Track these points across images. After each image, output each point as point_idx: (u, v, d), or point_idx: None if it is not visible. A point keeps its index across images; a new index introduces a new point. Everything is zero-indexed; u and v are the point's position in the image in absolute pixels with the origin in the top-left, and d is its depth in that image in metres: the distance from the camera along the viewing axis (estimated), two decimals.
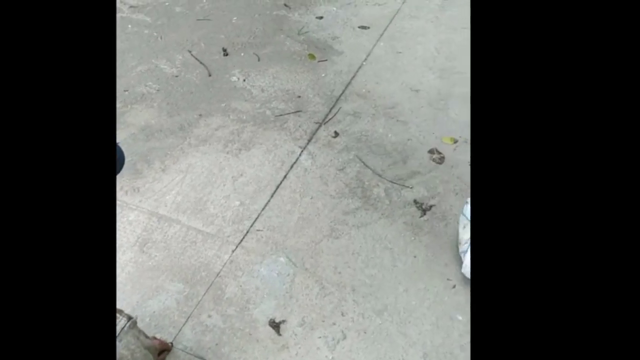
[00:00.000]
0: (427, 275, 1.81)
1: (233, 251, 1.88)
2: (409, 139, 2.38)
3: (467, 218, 1.77)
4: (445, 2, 3.54)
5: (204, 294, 1.75)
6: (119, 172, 1.01)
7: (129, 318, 0.96)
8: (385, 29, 3.19)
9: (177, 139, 2.37)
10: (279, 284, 1.77)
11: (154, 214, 2.03)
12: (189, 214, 2.02)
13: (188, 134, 2.39)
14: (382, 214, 2.02)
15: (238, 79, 2.73)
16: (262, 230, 1.95)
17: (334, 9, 3.39)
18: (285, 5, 3.41)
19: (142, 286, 1.78)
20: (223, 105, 2.56)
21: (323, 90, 2.66)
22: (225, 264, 1.84)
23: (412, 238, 1.93)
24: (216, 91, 2.65)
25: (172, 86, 2.68)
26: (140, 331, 0.98)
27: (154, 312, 1.71)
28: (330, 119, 2.48)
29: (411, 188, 2.13)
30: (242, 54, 2.92)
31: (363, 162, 2.25)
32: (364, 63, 2.88)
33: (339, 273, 1.81)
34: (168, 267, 1.84)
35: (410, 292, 1.75)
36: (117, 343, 0.89)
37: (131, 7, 3.37)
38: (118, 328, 0.91)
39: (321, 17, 3.28)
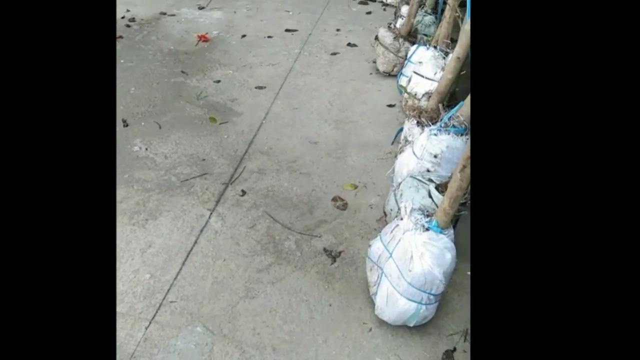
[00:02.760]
0: (344, 322, 1.77)
1: (147, 328, 1.74)
2: (313, 190, 2.38)
3: (372, 261, 1.77)
4: (332, 57, 3.69)
5: None
6: None
7: None
8: (281, 87, 3.24)
9: None
10: (198, 355, 1.65)
11: None
12: None
13: None
14: (295, 267, 1.98)
15: (140, 148, 2.62)
16: (175, 302, 1.83)
17: (230, 72, 3.41)
18: (183, 72, 3.37)
19: None
20: (126, 176, 2.43)
21: (227, 151, 2.62)
22: (139, 343, 1.69)
23: (326, 287, 1.90)
24: (118, 163, 2.51)
25: None
26: None
27: None
28: (236, 179, 2.43)
29: (320, 237, 2.12)
30: (143, 123, 2.82)
31: (272, 217, 2.21)
32: (264, 121, 2.88)
33: (258, 334, 1.72)
34: None
35: (329, 342, 1.71)
36: None
37: None
38: None
39: (219, 81, 3.28)
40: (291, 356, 1.66)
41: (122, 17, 4.22)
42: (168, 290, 1.87)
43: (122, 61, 3.47)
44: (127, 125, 2.79)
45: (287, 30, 4.13)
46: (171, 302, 1.83)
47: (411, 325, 1.69)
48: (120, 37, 3.82)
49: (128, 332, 1.73)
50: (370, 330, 1.75)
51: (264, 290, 1.88)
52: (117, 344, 1.69)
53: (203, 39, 3.83)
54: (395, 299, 1.63)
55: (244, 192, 2.35)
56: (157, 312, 1.79)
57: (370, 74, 3.47)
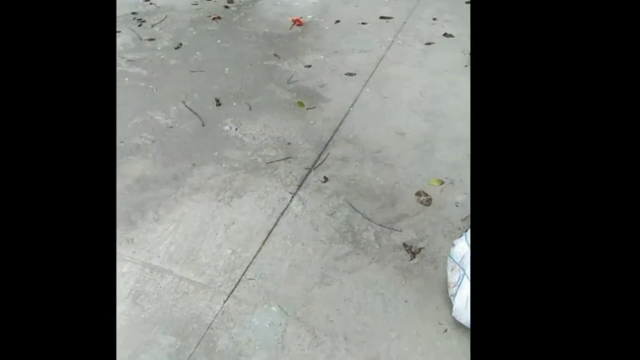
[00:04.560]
0: (419, 320, 1.75)
1: (225, 301, 1.82)
2: (396, 182, 2.35)
3: (454, 261, 1.73)
4: (427, 47, 3.60)
5: (196, 346, 1.68)
6: None
7: None
8: (371, 75, 3.22)
9: (171, 189, 2.34)
10: (271, 334, 1.71)
11: (147, 265, 1.98)
12: (181, 264, 1.98)
13: (182, 184, 2.37)
14: (372, 259, 1.98)
15: (230, 128, 2.73)
16: (253, 279, 1.90)
17: (322, 57, 3.43)
18: (275, 55, 3.45)
19: (134, 340, 1.71)
20: (216, 154, 2.55)
21: (312, 137, 2.66)
22: (217, 315, 1.78)
23: (403, 282, 1.88)
24: (209, 141, 2.64)
25: (167, 137, 2.67)
26: None
27: None
28: (319, 165, 2.46)
29: (400, 231, 2.09)
30: (234, 104, 2.93)
31: (352, 206, 2.22)
32: (351, 109, 2.88)
33: (331, 321, 1.75)
34: (160, 320, 1.78)
35: (402, 339, 1.69)
36: None
37: (128, 60, 3.40)
38: None
39: (309, 66, 3.32)
40: (362, 347, 1.67)
41: None
42: (247, 268, 1.94)
43: (218, 41, 3.62)
44: (219, 105, 2.91)
45: (381, 18, 4.08)
46: (249, 279, 1.90)
47: None
48: (219, 17, 3.98)
49: (207, 304, 1.82)
50: (446, 331, 1.71)
51: (340, 278, 1.90)
52: (196, 313, 1.79)
53: (297, 23, 3.89)
54: None
55: (326, 179, 2.37)
56: (235, 287, 1.87)
57: (466, 66, 3.35)
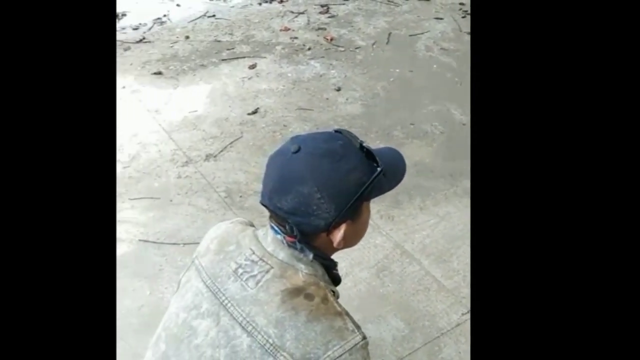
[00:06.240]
0: None
1: (463, 314, 1.82)
2: None
3: None
4: None
5: (422, 345, 1.73)
6: (396, 184, 1.05)
7: (364, 337, 1.01)
8: None
9: (444, 184, 2.41)
10: None
11: (398, 246, 2.10)
12: (431, 259, 2.04)
13: (456, 182, 2.42)
14: None
15: None
16: None
17: None
18: None
19: (366, 308, 1.86)
20: None
21: None
22: (451, 323, 1.79)
23: None
24: None
25: (457, 132, 2.74)
26: (368, 353, 1.02)
27: (369, 337, 1.77)
28: None
29: None
30: None
31: None
32: None
33: None
34: (396, 302, 1.88)
35: None
36: (348, 356, 0.95)
37: (442, 49, 3.57)
38: (353, 342, 0.96)
39: None
40: None
41: None
42: None
43: None
44: None
45: None
46: None
47: None
48: None
49: (445, 309, 1.85)
50: None
51: None
52: (432, 312, 1.84)
53: None
54: None
55: None
56: None
57: None
